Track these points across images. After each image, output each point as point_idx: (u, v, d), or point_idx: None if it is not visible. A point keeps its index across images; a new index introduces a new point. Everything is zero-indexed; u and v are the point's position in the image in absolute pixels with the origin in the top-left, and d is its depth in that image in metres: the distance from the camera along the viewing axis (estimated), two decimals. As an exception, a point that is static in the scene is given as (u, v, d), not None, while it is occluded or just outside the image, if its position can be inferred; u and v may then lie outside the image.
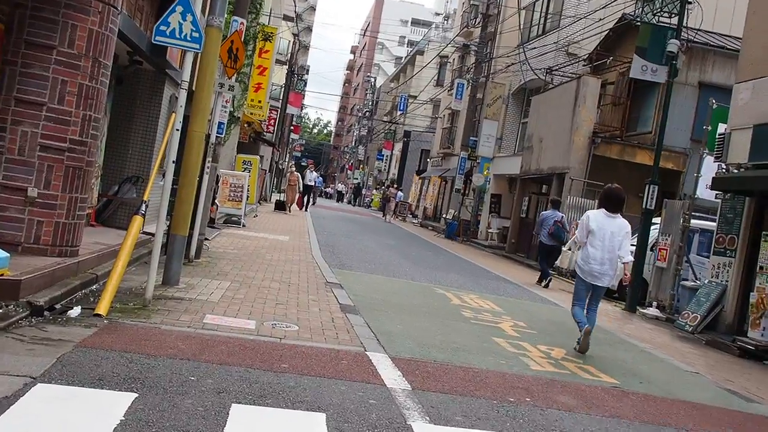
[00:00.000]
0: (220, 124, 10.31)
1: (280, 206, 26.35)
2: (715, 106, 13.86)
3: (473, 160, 31.30)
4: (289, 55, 33.85)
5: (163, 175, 11.77)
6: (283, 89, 34.45)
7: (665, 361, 8.50)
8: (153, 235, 10.17)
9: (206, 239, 12.56)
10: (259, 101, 21.97)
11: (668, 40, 13.78)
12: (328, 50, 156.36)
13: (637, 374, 7.20)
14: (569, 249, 11.71)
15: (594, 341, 7.92)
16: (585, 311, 7.86)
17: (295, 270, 10.66)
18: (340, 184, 70.65)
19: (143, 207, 6.72)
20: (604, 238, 7.62)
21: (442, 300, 10.12)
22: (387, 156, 59.94)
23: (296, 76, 35.82)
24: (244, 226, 17.31)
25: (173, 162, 6.80)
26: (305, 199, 28.51)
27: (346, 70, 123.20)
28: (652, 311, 13.67)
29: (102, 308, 5.87)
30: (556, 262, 15.39)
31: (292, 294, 8.43)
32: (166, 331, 5.65)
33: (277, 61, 35.03)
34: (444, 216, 32.25)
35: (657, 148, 14.37)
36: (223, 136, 10.43)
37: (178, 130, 6.78)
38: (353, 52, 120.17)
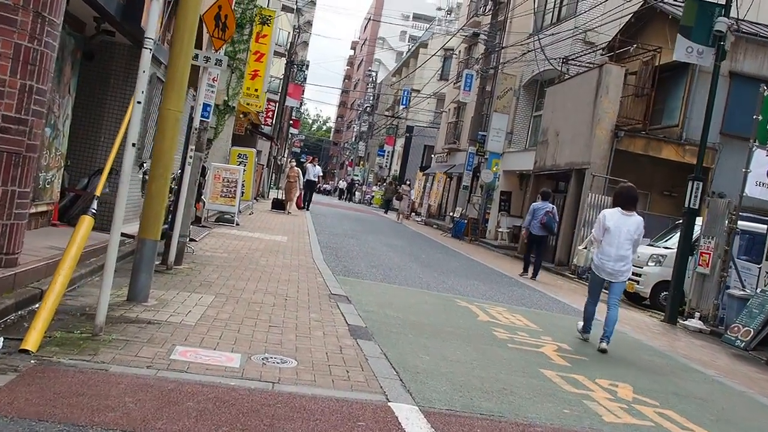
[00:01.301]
0: (205, 106, 8.74)
1: (278, 205, 23.48)
2: (766, 93, 12.28)
3: (481, 156, 29.73)
4: (288, 44, 32.22)
5: (141, 166, 10.28)
6: (282, 81, 32.84)
7: (744, 395, 6.96)
8: (133, 237, 8.62)
9: (192, 240, 11.01)
10: (256, 90, 20.34)
11: (716, 19, 12.21)
12: (328, 45, 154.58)
13: (730, 421, 5.65)
14: (585, 247, 10.42)
15: (656, 369, 7.29)
16: (595, 306, 8.18)
17: (294, 278, 9.09)
18: (341, 181, 68.90)
19: (94, 204, 5.15)
20: (620, 236, 7.80)
21: (468, 316, 8.56)
22: (389, 152, 58.37)
23: (296, 66, 34.19)
24: (237, 225, 15.76)
25: (134, 145, 5.23)
26: (307, 196, 25.71)
27: (347, 65, 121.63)
28: (695, 323, 12.13)
29: (31, 342, 4.31)
30: (572, 261, 14.18)
31: (290, 311, 6.86)
32: (114, 375, 4.09)
33: (276, 53, 33.46)
34: (451, 214, 30.63)
35: (702, 139, 12.81)
36: (209, 120, 8.86)
37: (140, 102, 5.20)
38: (353, 47, 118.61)
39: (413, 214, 37.26)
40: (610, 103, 19.37)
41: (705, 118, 12.78)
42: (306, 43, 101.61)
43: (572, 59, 23.81)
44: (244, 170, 19.64)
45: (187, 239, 8.89)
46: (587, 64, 23.29)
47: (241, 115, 20.43)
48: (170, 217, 8.67)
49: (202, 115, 8.64)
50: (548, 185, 24.24)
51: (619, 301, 8.07)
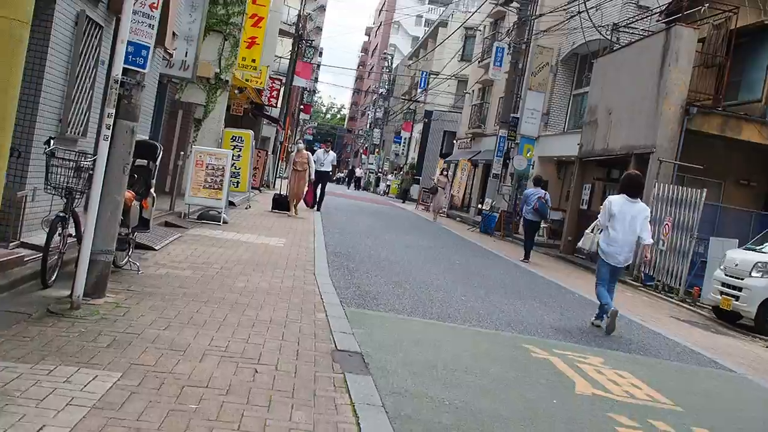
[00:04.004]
0: (137, 47, 5.50)
1: (280, 204, 16.68)
2: None
3: (512, 140, 26.38)
4: (296, 17, 28.88)
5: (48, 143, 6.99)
6: (290, 58, 29.53)
7: None
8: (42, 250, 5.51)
9: (147, 249, 7.86)
10: (253, 61, 17.14)
11: None
12: (342, 32, 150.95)
13: None
14: (591, 231, 9.69)
15: None
16: (606, 288, 8.08)
17: (280, 316, 5.89)
18: (358, 169, 65.44)
19: None
20: (625, 222, 7.99)
21: (558, 384, 5.30)
22: (405, 138, 54.99)
23: (305, 42, 30.81)
24: (225, 223, 12.59)
25: None
26: (317, 192, 18.53)
27: (361, 51, 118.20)
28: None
29: None
30: (578, 244, 13.20)
31: (255, 411, 3.66)
32: None
33: (283, 33, 30.16)
34: (480, 206, 27.25)
35: None
36: (145, 71, 5.62)
37: None
38: (368, 33, 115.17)
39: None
40: (680, 73, 15.94)
41: None
42: (320, 29, 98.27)
43: (624, 27, 20.42)
44: (240, 156, 16.52)
45: (111, 256, 5.68)
46: (642, 32, 19.91)
47: (237, 91, 17.20)
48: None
49: (129, 62, 5.42)
50: (599, 173, 20.91)
51: (616, 284, 8.54)
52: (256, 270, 8.08)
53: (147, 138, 10.36)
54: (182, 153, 12.77)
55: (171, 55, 11.61)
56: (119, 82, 5.17)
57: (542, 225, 23.28)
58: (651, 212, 15.37)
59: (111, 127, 5.15)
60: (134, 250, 7.81)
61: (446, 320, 7.02)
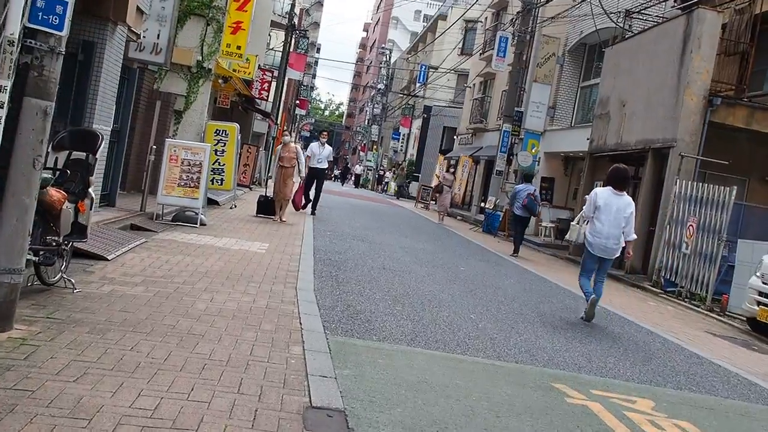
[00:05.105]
0: (50, 1, 4.16)
1: (265, 208, 14.29)
2: None
3: (516, 135, 25.05)
4: (290, 6, 27.44)
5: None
6: (283, 49, 28.11)
7: None
8: None
9: (98, 259, 6.56)
10: (238, 48, 15.76)
11: None
12: (339, 29, 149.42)
13: None
14: (577, 223, 9.34)
15: None
16: (592, 283, 8.26)
17: (242, 355, 4.55)
18: (357, 166, 63.91)
19: None
20: (610, 213, 8.11)
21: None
22: (404, 134, 53.61)
23: (298, 32, 29.34)
24: (203, 224, 11.27)
25: None
26: (312, 192, 16.22)
27: (359, 48, 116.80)
28: None
29: None
30: (566, 237, 12.61)
31: None
32: None
33: (275, 24, 28.75)
34: (482, 204, 25.91)
35: None
36: (63, 33, 4.28)
37: None
38: (366, 29, 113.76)
39: (432, 202, 32.52)
40: (702, 60, 14.64)
41: None
42: (317, 24, 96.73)
43: (638, 12, 19.08)
44: (224, 151, 15.17)
45: (19, 276, 4.34)
46: (656, 19, 18.58)
47: (221, 81, 15.83)
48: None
49: (39, 21, 4.07)
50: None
51: (605, 277, 8.55)
52: (226, 284, 6.74)
53: (105, 129, 9.04)
54: (153, 147, 11.41)
55: (138, 36, 10.26)
56: (17, 45, 3.82)
57: (547, 224, 22.08)
58: (671, 212, 14.28)
59: (4, 106, 3.81)
60: (80, 261, 6.52)
61: (455, 350, 5.68)
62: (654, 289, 13.68)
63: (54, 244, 5.41)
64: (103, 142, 5.74)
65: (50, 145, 5.75)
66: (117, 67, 9.33)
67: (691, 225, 13.13)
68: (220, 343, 4.69)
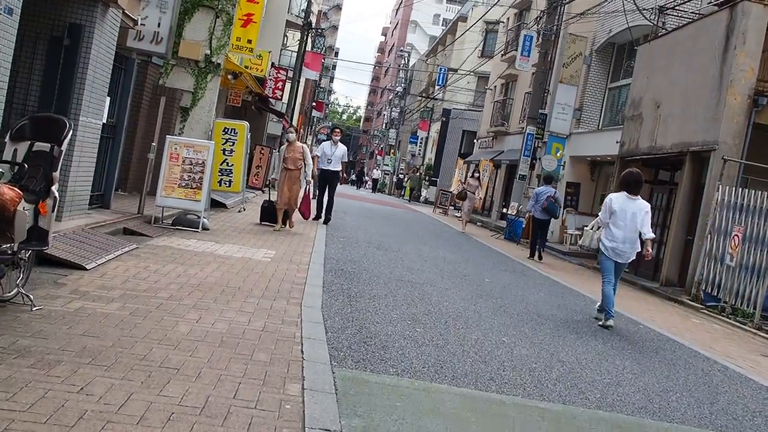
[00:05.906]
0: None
1: (270, 214, 12.69)
2: None
3: (539, 139, 24.02)
4: (306, 4, 26.56)
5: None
6: (299, 48, 27.22)
7: None
8: None
9: (75, 268, 5.66)
10: (249, 41, 14.87)
11: None
12: (358, 32, 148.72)
13: None
14: (592, 228, 9.12)
15: None
16: (612, 286, 8.14)
17: (223, 398, 3.59)
18: (375, 170, 62.84)
19: None
20: (626, 218, 8.11)
21: None
22: (422, 138, 52.59)
23: (314, 30, 28.45)
24: (205, 229, 10.36)
25: None
26: (323, 199, 14.47)
27: (377, 52, 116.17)
28: None
29: None
30: (579, 242, 12.99)
31: None
32: None
33: (291, 24, 27.87)
34: (504, 210, 24.84)
35: None
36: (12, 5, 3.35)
37: None
38: (384, 33, 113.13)
39: (452, 208, 31.48)
40: (747, 57, 13.53)
41: None
42: (335, 28, 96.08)
43: (672, 9, 18.00)
44: (233, 151, 14.27)
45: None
46: (692, 15, 17.49)
47: (230, 77, 14.94)
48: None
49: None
50: (644, 174, 18.45)
51: (618, 282, 8.52)
52: (220, 300, 5.80)
53: (95, 123, 8.15)
54: (154, 145, 10.53)
55: (136, 23, 9.37)
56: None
57: (572, 231, 21.00)
58: (712, 220, 13.20)
59: None
60: (52, 271, 5.62)
61: (490, 386, 4.69)
62: (693, 303, 12.59)
63: (8, 252, 4.50)
64: (71, 131, 4.81)
65: (8, 135, 4.85)
66: (109, 55, 8.44)
67: (736, 235, 12.05)
68: (198, 381, 3.74)
